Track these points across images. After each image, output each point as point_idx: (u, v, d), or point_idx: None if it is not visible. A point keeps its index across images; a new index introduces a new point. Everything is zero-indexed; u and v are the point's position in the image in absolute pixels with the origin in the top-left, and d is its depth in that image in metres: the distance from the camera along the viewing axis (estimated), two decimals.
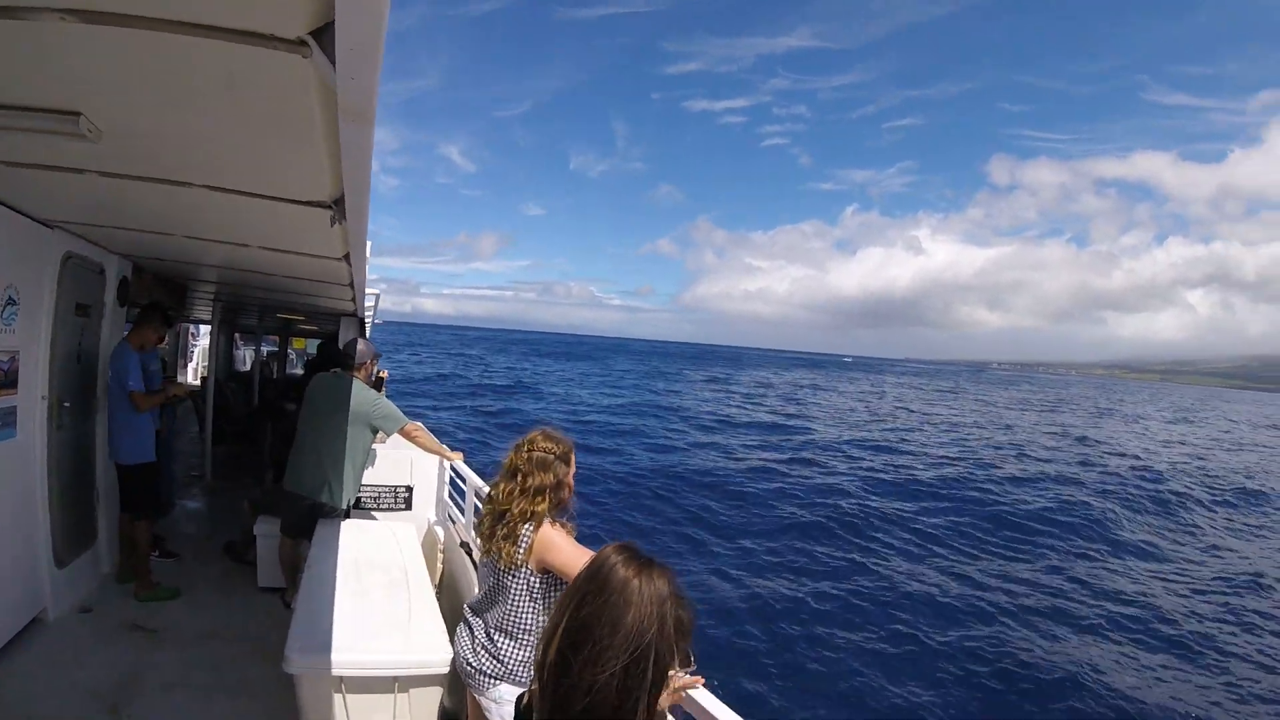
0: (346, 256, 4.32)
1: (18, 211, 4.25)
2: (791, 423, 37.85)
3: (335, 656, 3.48)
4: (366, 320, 10.05)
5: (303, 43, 1.66)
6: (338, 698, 3.49)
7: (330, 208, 3.01)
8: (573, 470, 3.34)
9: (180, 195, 3.33)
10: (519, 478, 3.17)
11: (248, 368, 16.80)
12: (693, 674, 2.08)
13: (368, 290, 6.40)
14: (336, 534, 5.22)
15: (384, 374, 10.78)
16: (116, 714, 3.93)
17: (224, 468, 10.35)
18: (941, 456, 27.95)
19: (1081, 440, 38.13)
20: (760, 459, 24.71)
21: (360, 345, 5.96)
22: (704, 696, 2.14)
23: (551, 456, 3.24)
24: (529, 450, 3.24)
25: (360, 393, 5.77)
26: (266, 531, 6.12)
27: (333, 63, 1.63)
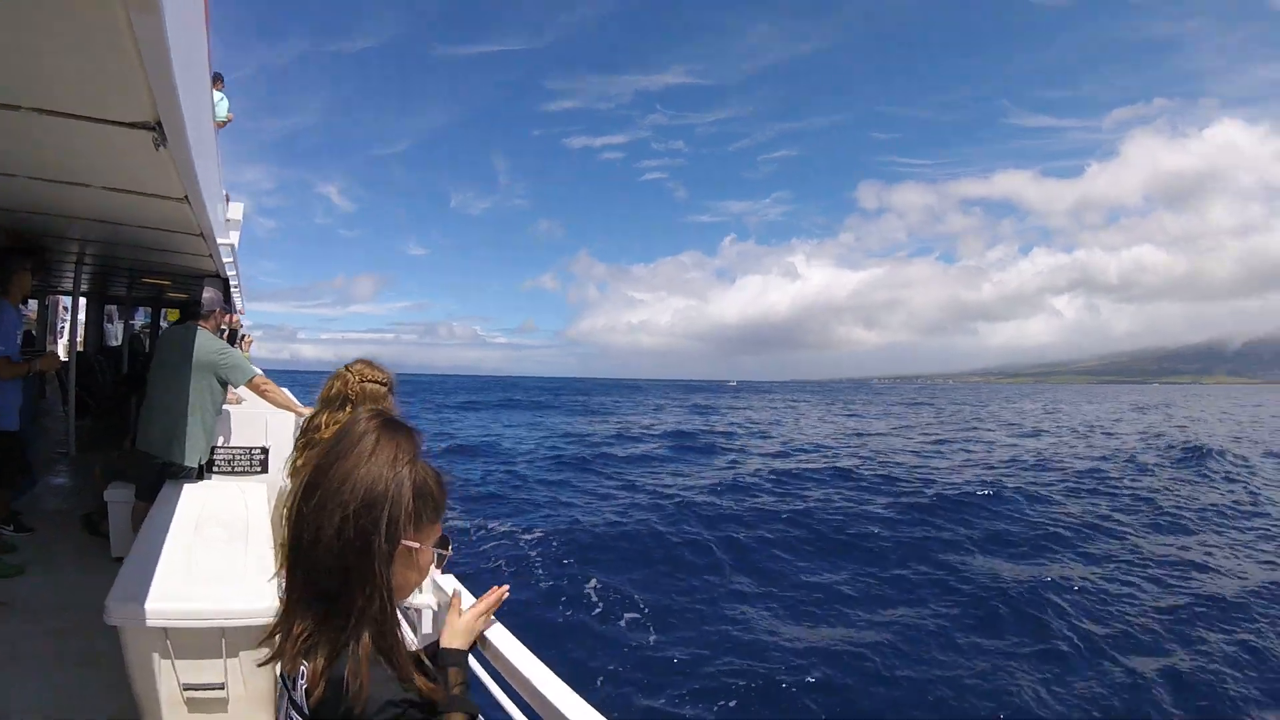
0: (186, 198, 4.19)
1: None
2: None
3: (156, 605, 3.34)
4: (232, 282, 9.78)
5: None
6: (162, 650, 3.36)
7: (153, 129, 2.92)
8: (395, 403, 3.30)
9: (12, 123, 3.14)
10: (349, 408, 3.13)
11: (119, 342, 16.04)
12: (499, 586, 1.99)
13: (220, 241, 6.16)
14: (179, 493, 5.08)
15: (249, 339, 10.49)
16: None
17: (88, 440, 9.98)
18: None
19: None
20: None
21: (207, 293, 5.76)
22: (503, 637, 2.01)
23: (383, 388, 3.25)
24: (360, 380, 3.21)
25: (206, 342, 5.57)
26: (118, 498, 5.89)
27: None
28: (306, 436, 3.22)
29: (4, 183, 4.61)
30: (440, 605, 2.56)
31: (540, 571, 12.14)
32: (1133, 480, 23.55)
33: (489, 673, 2.19)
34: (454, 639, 1.72)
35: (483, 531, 14.90)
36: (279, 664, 1.40)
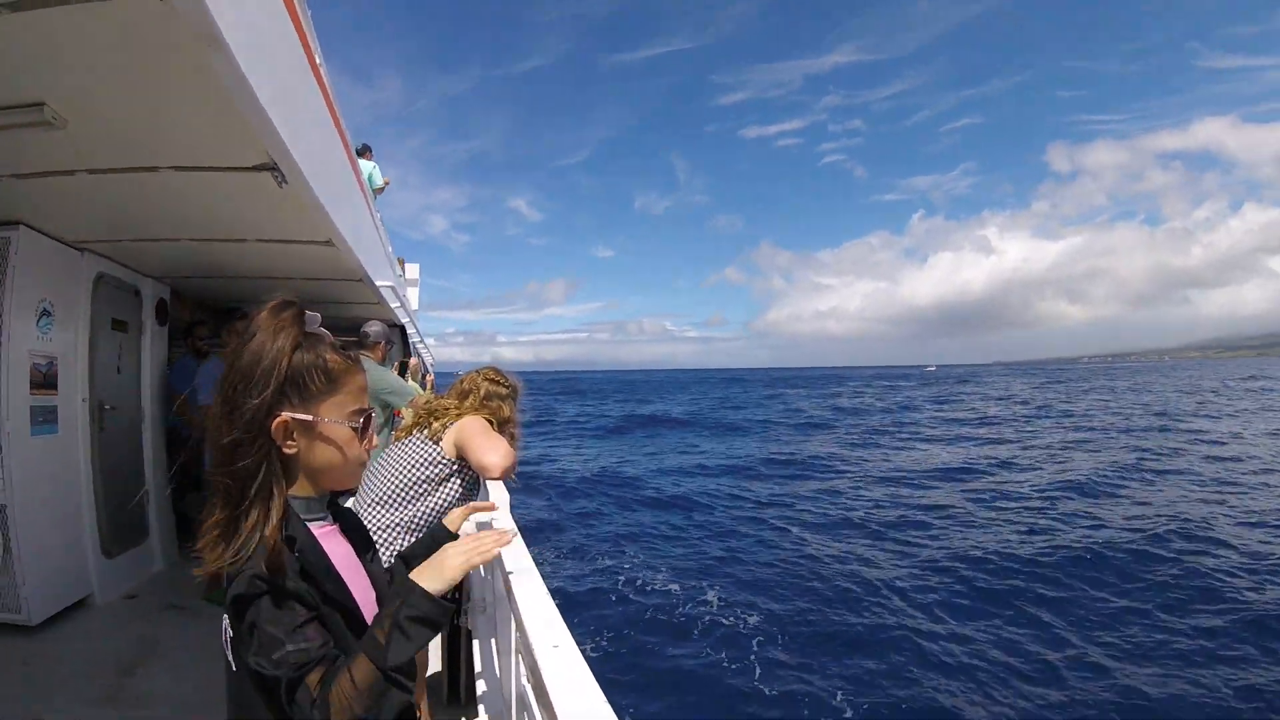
0: (330, 241, 4.68)
1: (46, 235, 4.86)
2: None
3: None
4: (409, 330, 10.46)
5: None
6: None
7: (272, 169, 3.32)
8: (516, 413, 3.39)
9: (156, 184, 3.73)
10: (469, 399, 3.27)
11: None
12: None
13: (381, 284, 6.64)
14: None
15: (430, 377, 11.15)
16: (130, 673, 4.31)
17: None
18: None
19: None
20: None
21: (375, 326, 6.18)
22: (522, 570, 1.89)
23: (504, 389, 3.36)
24: (483, 379, 3.35)
25: (370, 370, 5.91)
26: None
27: None
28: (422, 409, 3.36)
29: (171, 249, 5.40)
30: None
31: None
32: None
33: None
34: (422, 572, 1.45)
35: None
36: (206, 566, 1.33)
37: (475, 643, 3.64)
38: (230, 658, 1.31)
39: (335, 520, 1.53)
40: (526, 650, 1.37)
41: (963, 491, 19.07)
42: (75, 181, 3.75)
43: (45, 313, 4.89)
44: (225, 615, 1.31)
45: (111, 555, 5.57)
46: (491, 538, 1.62)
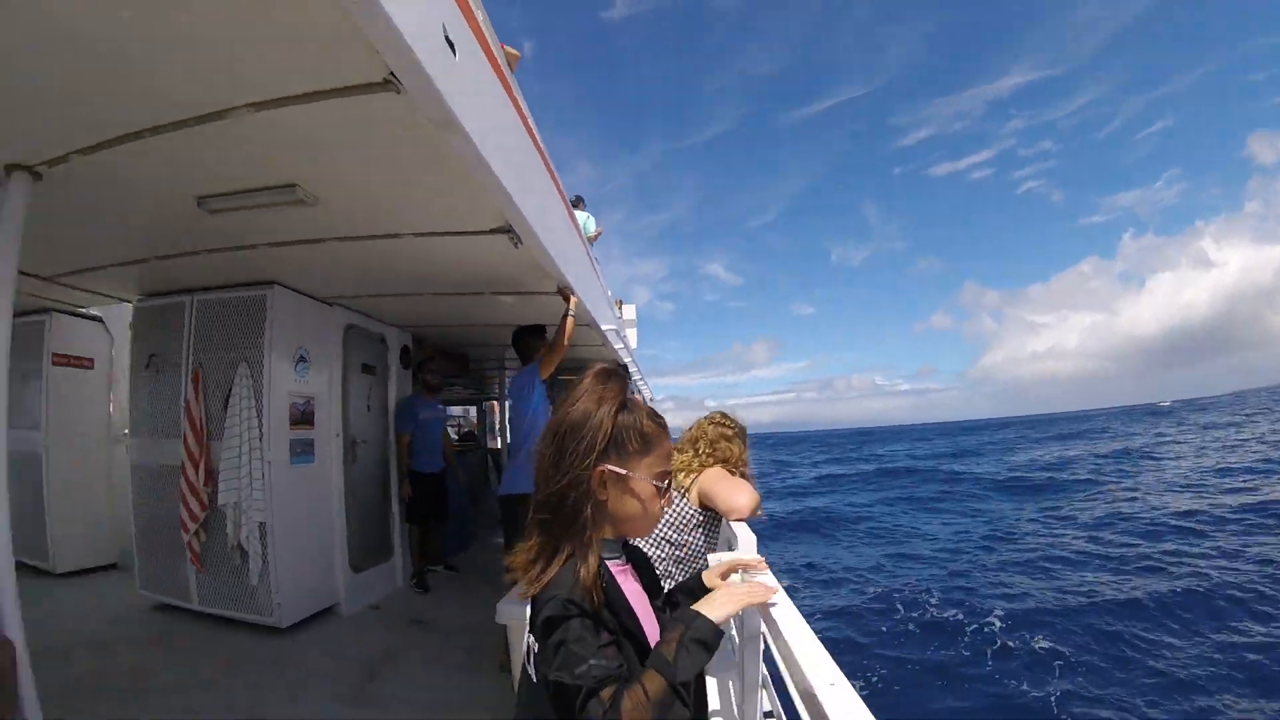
0: (560, 292, 5.16)
1: (302, 294, 5.59)
2: None
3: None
4: (631, 368, 10.86)
5: (389, 82, 2.19)
6: None
7: (508, 231, 3.70)
8: (746, 452, 3.49)
9: (399, 248, 4.18)
10: (698, 446, 3.41)
11: None
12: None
13: (606, 328, 6.90)
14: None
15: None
16: (372, 678, 4.66)
17: None
18: None
19: None
20: None
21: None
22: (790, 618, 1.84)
23: (729, 430, 3.48)
24: (709, 423, 3.51)
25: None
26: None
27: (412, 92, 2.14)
28: None
29: (414, 302, 6.01)
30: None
31: None
32: None
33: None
34: (704, 603, 1.61)
35: None
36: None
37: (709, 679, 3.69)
38: (531, 670, 1.52)
39: (628, 561, 1.70)
40: (803, 688, 1.44)
41: None
42: (324, 248, 4.25)
43: (301, 359, 5.58)
44: (529, 633, 1.53)
45: (359, 570, 6.18)
46: (761, 590, 1.77)
